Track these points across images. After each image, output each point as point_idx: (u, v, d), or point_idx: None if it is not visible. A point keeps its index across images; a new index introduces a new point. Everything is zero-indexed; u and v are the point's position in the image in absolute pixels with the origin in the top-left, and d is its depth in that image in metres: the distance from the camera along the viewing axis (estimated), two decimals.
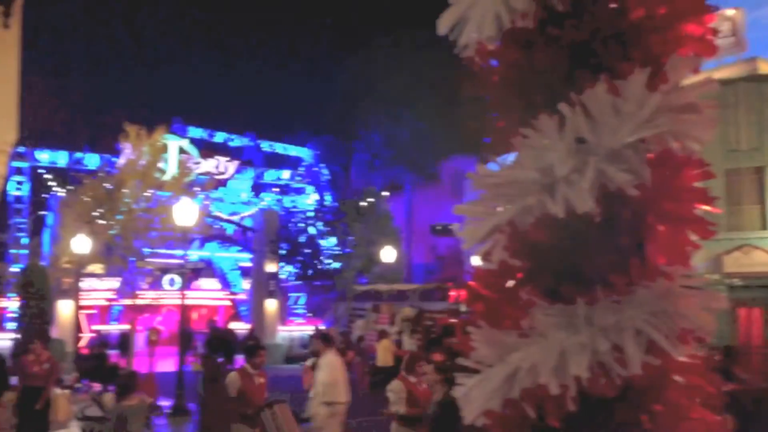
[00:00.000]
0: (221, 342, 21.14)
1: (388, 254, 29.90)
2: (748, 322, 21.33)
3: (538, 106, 2.71)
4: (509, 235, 2.72)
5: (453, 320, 20.46)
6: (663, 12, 2.71)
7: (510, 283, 2.73)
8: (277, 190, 41.73)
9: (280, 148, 43.75)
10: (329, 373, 9.31)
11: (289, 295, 38.81)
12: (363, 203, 34.67)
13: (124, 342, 26.89)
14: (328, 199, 39.09)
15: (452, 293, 25.46)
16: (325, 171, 45.38)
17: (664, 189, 2.61)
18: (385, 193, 39.90)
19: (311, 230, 36.23)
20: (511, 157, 2.85)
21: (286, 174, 42.56)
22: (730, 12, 25.70)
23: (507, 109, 2.83)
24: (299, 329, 35.14)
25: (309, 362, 12.72)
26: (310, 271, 34.35)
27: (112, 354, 21.91)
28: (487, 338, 2.70)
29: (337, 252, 32.91)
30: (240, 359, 28.00)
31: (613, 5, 2.71)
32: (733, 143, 21.67)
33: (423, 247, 41.87)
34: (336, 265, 32.85)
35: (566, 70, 2.70)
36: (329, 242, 34.89)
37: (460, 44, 2.97)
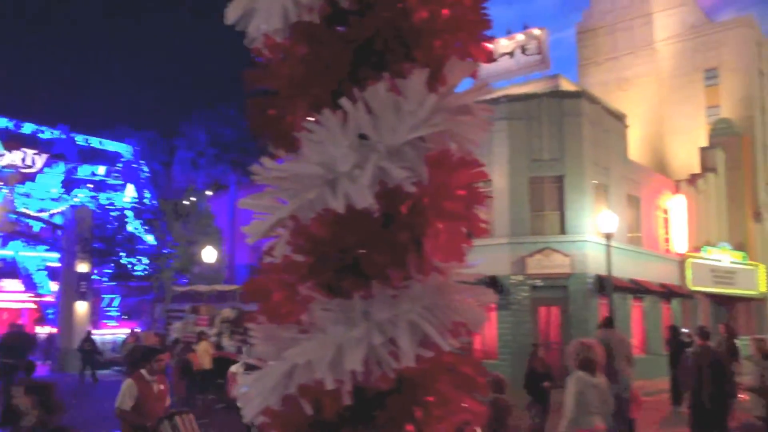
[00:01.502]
0: (16, 345, 19.49)
1: (208, 254, 29.12)
2: (547, 320, 23.06)
3: (323, 101, 2.71)
4: (292, 230, 2.70)
5: None
6: (445, 16, 2.81)
7: (292, 279, 2.70)
8: (92, 186, 39.41)
9: (96, 142, 41.44)
10: None
11: (102, 296, 36.72)
12: (185, 202, 33.49)
13: None
14: (147, 197, 37.40)
15: None
16: (145, 168, 43.50)
17: (441, 187, 2.70)
18: (208, 193, 38.86)
19: (128, 229, 34.48)
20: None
21: (101, 169, 40.31)
22: (536, 31, 27.73)
23: (294, 104, 2.81)
24: (112, 332, 33.33)
25: (234, 368, 12.03)
26: (125, 272, 32.64)
27: None
28: (266, 334, 2.66)
29: (155, 252, 31.54)
30: (40, 364, 25.93)
31: (397, 5, 2.76)
32: (536, 153, 23.32)
33: (247, 247, 41.25)
34: (154, 265, 31.47)
35: (350, 66, 2.72)
36: (147, 242, 33.40)
37: (248, 35, 2.92)
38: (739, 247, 34.44)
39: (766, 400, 10.23)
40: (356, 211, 2.59)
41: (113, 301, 37.01)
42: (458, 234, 2.78)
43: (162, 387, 8.13)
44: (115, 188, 39.81)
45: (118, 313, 36.72)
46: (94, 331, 32.06)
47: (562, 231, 23.46)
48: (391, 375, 2.53)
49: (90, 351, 26.46)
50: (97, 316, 35.16)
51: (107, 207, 34.61)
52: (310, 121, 2.72)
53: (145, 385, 7.92)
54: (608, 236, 21.88)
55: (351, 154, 2.61)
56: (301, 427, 2.60)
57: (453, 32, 2.82)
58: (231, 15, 2.89)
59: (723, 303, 33.30)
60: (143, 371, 8.07)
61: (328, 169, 2.63)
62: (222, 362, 17.54)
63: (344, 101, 2.63)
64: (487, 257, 22.62)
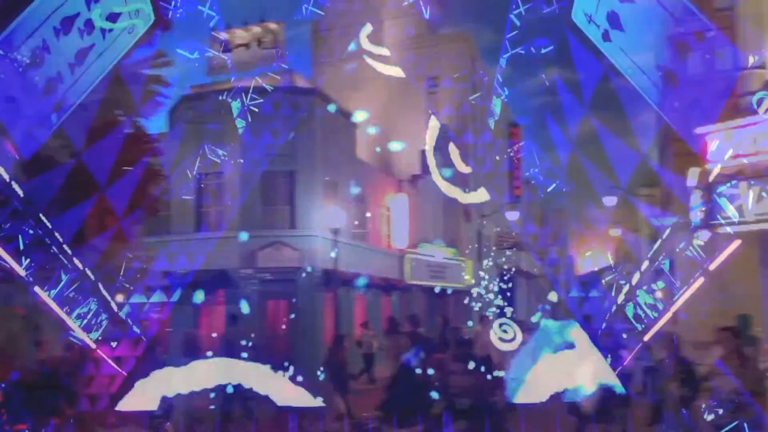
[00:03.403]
0: None
1: None
2: (275, 313, 23.29)
3: None
4: None
5: None
6: None
7: None
8: None
9: None
10: None
11: None
12: None
13: None
14: None
15: None
16: None
17: (106, 160, 2.48)
18: None
19: None
20: None
21: None
22: (273, 25, 27.73)
23: None
24: None
25: None
26: None
27: None
28: None
29: None
30: None
31: None
32: (269, 148, 23.36)
33: None
34: None
35: None
36: None
37: None
38: (450, 243, 37.69)
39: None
40: None
41: None
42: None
43: None
44: None
45: None
46: None
47: (293, 226, 23.81)
48: None
49: None
50: None
51: None
52: None
53: None
54: (336, 232, 22.66)
55: None
56: None
57: None
58: None
59: (436, 295, 36.22)
60: None
61: None
62: None
63: None
64: (217, 250, 22.18)
